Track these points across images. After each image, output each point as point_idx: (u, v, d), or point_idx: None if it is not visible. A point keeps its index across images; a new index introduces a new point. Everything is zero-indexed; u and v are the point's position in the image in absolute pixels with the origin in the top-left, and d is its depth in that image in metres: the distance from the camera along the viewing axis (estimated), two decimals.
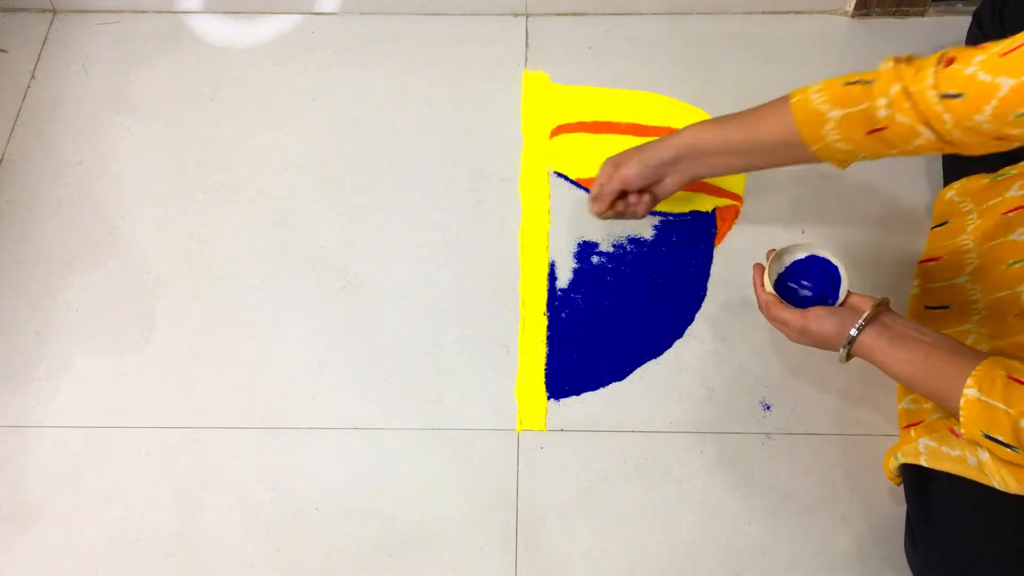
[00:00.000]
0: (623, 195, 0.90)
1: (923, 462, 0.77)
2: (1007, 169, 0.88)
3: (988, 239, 0.87)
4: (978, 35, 0.93)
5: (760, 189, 1.03)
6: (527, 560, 0.84)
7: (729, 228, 1.01)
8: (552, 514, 0.86)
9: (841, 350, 0.75)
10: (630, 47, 1.14)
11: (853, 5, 1.14)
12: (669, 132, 1.06)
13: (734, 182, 1.03)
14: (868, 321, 0.74)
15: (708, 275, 0.98)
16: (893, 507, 0.85)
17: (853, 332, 0.74)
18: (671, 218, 1.01)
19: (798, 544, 0.84)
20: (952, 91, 0.69)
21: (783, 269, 0.86)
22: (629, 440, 0.89)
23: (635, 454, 0.89)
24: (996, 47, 0.66)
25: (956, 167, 0.96)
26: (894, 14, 1.15)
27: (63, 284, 0.98)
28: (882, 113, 0.74)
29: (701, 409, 0.91)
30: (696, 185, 1.03)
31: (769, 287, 0.84)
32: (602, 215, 0.91)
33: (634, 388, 0.92)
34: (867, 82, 0.75)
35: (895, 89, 0.73)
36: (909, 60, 0.74)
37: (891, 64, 0.74)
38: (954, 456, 0.75)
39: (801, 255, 0.85)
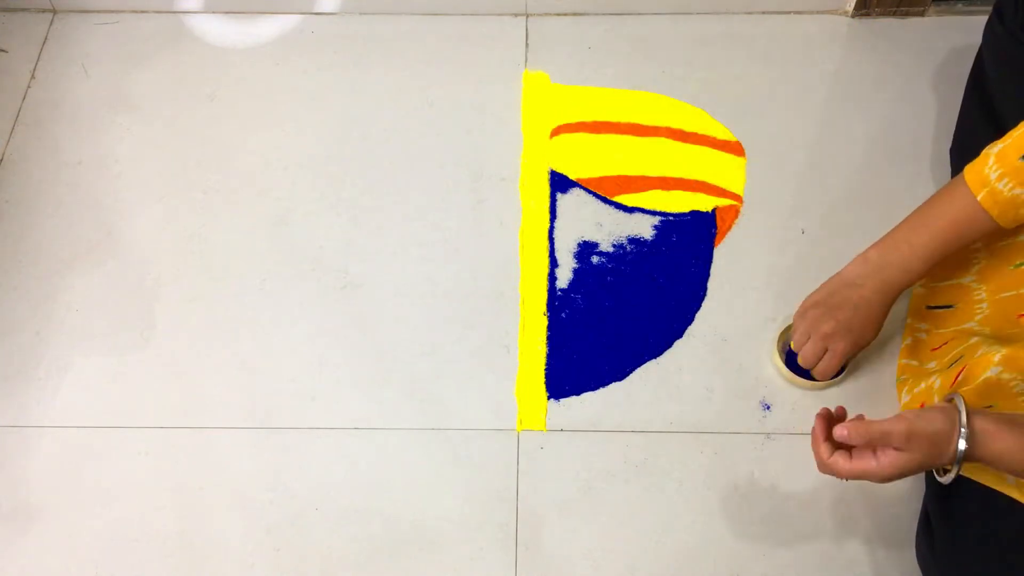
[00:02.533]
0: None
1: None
2: None
3: (996, 239, 0.86)
4: (998, 27, 0.91)
5: (760, 189, 1.03)
6: (527, 560, 0.84)
7: (729, 228, 1.01)
8: (552, 514, 0.86)
9: (959, 443, 0.65)
10: (630, 47, 1.14)
11: (853, 5, 1.14)
12: (669, 133, 1.07)
13: (734, 182, 1.03)
14: (967, 409, 0.66)
15: (708, 275, 0.98)
16: (894, 507, 0.85)
17: (962, 413, 0.65)
18: (671, 218, 1.01)
19: (798, 544, 0.84)
20: None
21: (788, 347, 0.91)
22: (629, 440, 0.89)
23: (635, 454, 0.89)
24: None
25: (963, 166, 0.95)
26: (894, 14, 1.15)
27: (63, 284, 0.98)
28: None
29: (701, 409, 0.91)
30: (696, 185, 1.03)
31: (780, 365, 0.89)
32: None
33: (634, 388, 0.92)
34: None
35: None
36: None
37: None
38: (992, 472, 0.72)
39: None
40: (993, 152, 0.76)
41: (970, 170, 0.77)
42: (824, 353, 0.86)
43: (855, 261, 0.85)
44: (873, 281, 0.83)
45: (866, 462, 0.68)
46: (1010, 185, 0.74)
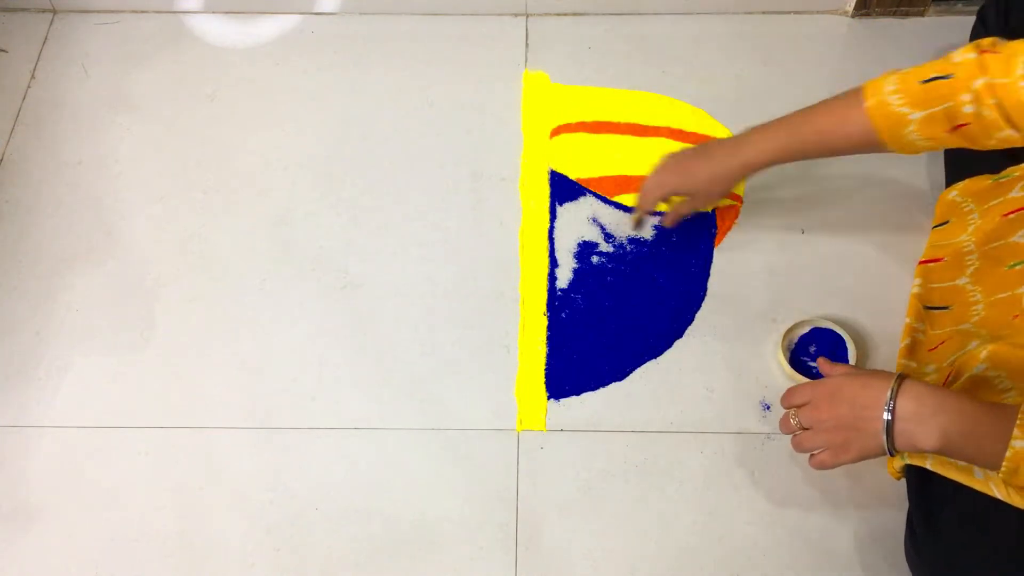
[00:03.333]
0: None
1: (928, 466, 0.75)
2: (1010, 170, 0.88)
3: (989, 240, 0.87)
4: (982, 33, 0.92)
5: (760, 189, 1.03)
6: (527, 560, 0.84)
7: (729, 228, 1.01)
8: (552, 514, 0.86)
9: (890, 390, 0.68)
10: (630, 47, 1.14)
11: (853, 5, 1.14)
12: (669, 133, 1.07)
13: None
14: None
15: (708, 275, 0.98)
16: (893, 507, 0.85)
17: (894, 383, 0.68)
18: None
19: (798, 544, 0.84)
20: None
21: (792, 346, 0.92)
22: (629, 440, 0.89)
23: (635, 454, 0.89)
24: None
25: (959, 167, 0.96)
26: (894, 14, 1.15)
27: (63, 284, 0.98)
28: (967, 109, 0.71)
29: (701, 409, 0.91)
30: None
31: (785, 365, 0.90)
32: (648, 213, 0.93)
33: (634, 388, 0.92)
34: (945, 76, 0.72)
35: (979, 83, 0.69)
36: (994, 46, 0.70)
37: (973, 54, 0.70)
38: (960, 466, 0.73)
39: (806, 330, 0.92)
40: (895, 72, 0.76)
41: (869, 82, 0.78)
42: (683, 181, 0.89)
43: (726, 139, 0.89)
44: (731, 152, 0.86)
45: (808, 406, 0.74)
46: (902, 101, 0.74)
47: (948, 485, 0.74)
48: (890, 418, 0.68)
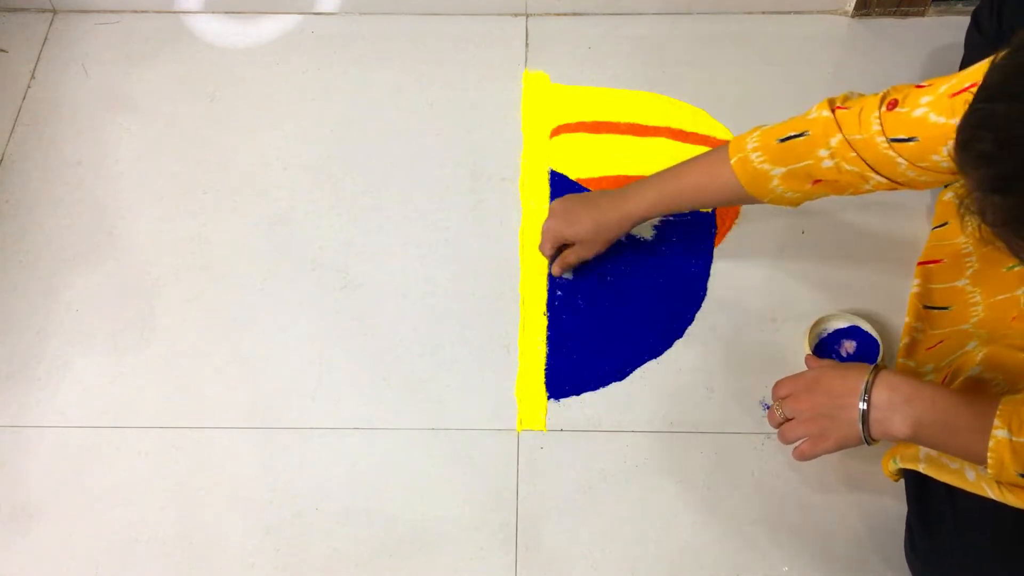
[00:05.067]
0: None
1: (921, 469, 0.76)
2: None
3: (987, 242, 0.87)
4: (976, 36, 0.93)
5: None
6: (527, 560, 0.84)
7: (729, 228, 1.01)
8: (552, 514, 0.86)
9: (865, 381, 0.70)
10: (630, 47, 1.14)
11: (853, 5, 1.14)
12: (669, 133, 1.07)
13: None
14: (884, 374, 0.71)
15: (708, 275, 0.98)
16: (893, 508, 0.85)
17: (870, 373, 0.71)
18: (671, 218, 1.01)
19: (797, 544, 0.84)
20: (903, 135, 0.68)
21: (826, 335, 0.92)
22: (629, 440, 0.89)
23: (635, 454, 0.89)
24: (943, 86, 0.65)
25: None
26: (894, 14, 1.15)
27: (63, 284, 0.98)
28: (826, 164, 0.74)
29: (701, 409, 0.91)
30: None
31: (807, 350, 0.90)
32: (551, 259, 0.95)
33: (634, 388, 0.92)
34: (801, 134, 0.75)
35: (836, 140, 0.72)
36: (845, 102, 0.73)
37: (826, 112, 0.73)
38: (952, 468, 0.73)
39: (843, 324, 0.92)
40: (760, 128, 0.79)
41: (735, 139, 0.81)
42: (565, 230, 0.91)
43: (612, 192, 0.91)
44: (614, 204, 0.89)
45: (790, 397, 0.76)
46: (763, 158, 0.77)
47: (944, 489, 0.74)
48: (865, 407, 0.70)
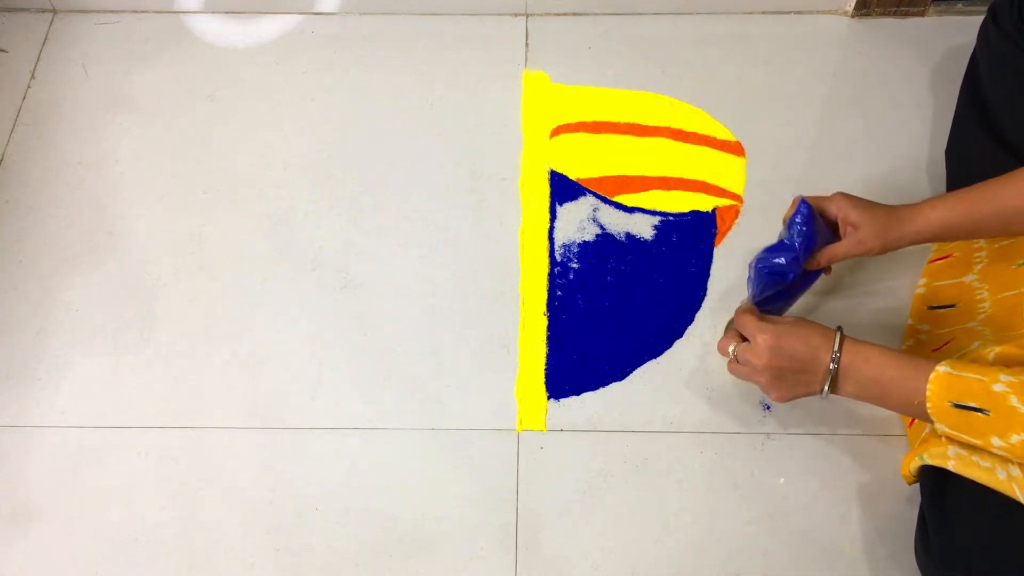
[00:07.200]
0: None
1: (951, 467, 0.73)
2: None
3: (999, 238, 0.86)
4: (993, 29, 0.90)
5: (760, 189, 1.03)
6: (527, 560, 0.84)
7: (729, 228, 1.01)
8: (552, 514, 0.86)
9: (834, 344, 0.75)
10: (630, 47, 1.14)
11: (853, 5, 1.14)
12: (669, 133, 1.07)
13: (734, 182, 1.03)
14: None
15: (708, 275, 0.98)
16: (894, 507, 0.85)
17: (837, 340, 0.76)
18: (671, 218, 1.01)
19: (798, 544, 0.84)
20: None
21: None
22: (629, 440, 0.89)
23: (635, 454, 0.89)
24: None
25: (959, 172, 0.95)
26: (894, 14, 1.15)
27: (63, 284, 0.98)
28: None
29: (701, 409, 0.91)
30: (696, 185, 1.03)
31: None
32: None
33: (634, 388, 0.92)
34: None
35: None
36: None
37: None
38: (983, 467, 0.72)
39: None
40: None
41: None
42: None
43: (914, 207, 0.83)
44: (917, 226, 0.82)
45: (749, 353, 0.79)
46: None
47: (964, 486, 0.73)
48: (835, 367, 0.76)
